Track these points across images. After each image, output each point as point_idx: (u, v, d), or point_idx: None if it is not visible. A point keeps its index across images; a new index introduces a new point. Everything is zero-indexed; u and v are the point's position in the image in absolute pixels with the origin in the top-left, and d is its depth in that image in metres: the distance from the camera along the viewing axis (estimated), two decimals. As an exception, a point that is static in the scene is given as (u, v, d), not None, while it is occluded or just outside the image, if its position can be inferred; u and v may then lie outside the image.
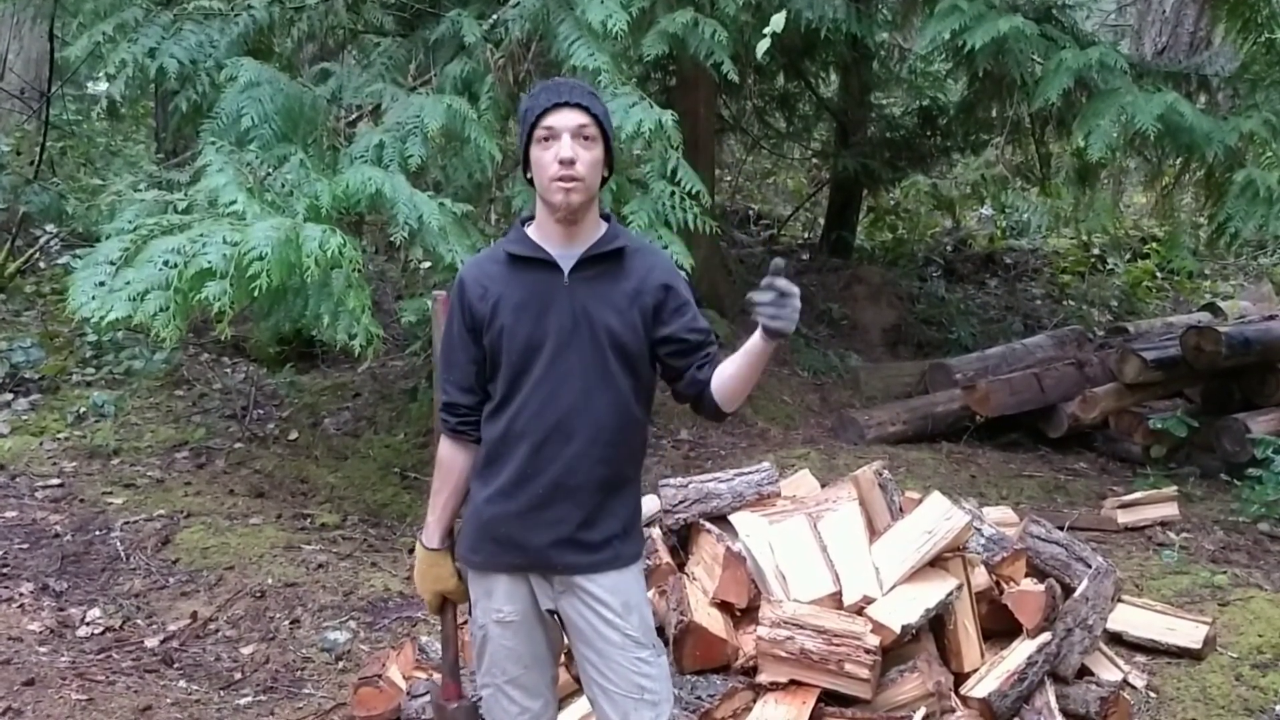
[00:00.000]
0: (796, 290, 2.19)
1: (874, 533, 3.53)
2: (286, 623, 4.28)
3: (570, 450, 2.35)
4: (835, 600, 3.29)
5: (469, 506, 2.48)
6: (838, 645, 3.14)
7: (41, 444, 5.78)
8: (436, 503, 2.52)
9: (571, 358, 2.34)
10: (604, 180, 2.41)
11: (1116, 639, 4.00)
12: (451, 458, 2.49)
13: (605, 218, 2.45)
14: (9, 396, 6.23)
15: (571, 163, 2.28)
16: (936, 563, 3.39)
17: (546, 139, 2.30)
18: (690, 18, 5.01)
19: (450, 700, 2.70)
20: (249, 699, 3.76)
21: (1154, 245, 12.00)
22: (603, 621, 2.39)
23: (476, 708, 2.63)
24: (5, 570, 4.48)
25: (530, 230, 2.42)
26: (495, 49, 5.08)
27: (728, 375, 2.38)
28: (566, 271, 2.36)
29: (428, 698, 3.29)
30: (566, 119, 2.30)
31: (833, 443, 6.83)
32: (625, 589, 2.41)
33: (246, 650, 4.09)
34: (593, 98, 2.36)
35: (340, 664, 4.02)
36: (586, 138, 2.30)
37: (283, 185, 4.54)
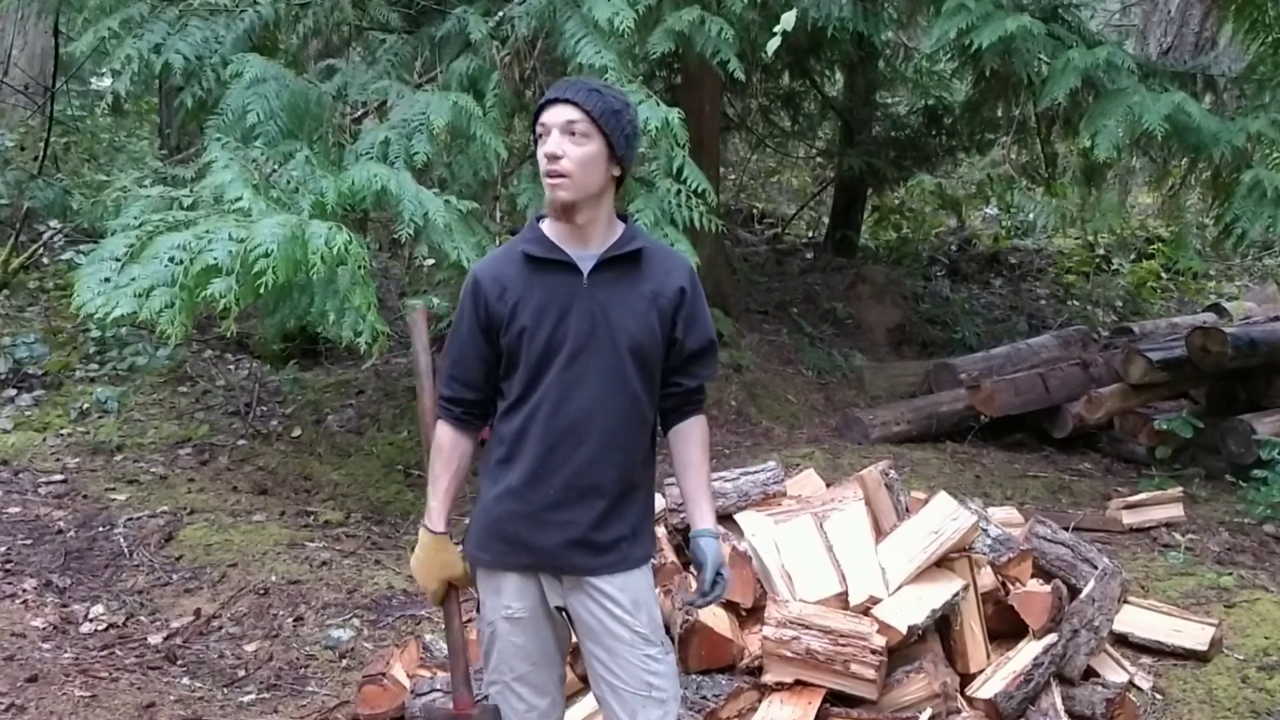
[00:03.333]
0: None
1: (880, 533, 3.52)
2: (290, 620, 4.27)
3: (583, 453, 2.34)
4: (841, 600, 3.28)
5: (478, 503, 2.47)
6: (844, 645, 3.13)
7: (45, 440, 5.78)
8: (438, 488, 2.48)
9: (589, 361, 2.33)
10: (618, 180, 2.38)
11: (1122, 640, 3.99)
12: (454, 444, 2.48)
13: (623, 219, 2.44)
14: (12, 392, 6.23)
15: (556, 158, 2.27)
16: (943, 563, 3.38)
17: (541, 135, 2.32)
18: (697, 15, 5.00)
19: (465, 711, 2.66)
20: (252, 696, 3.75)
21: (1159, 245, 11.98)
22: (612, 618, 2.39)
23: (497, 710, 2.58)
24: (9, 566, 4.48)
25: (546, 228, 2.41)
26: (501, 46, 5.06)
27: (677, 461, 2.53)
28: (586, 273, 2.35)
29: (431, 698, 3.28)
30: (556, 114, 2.29)
31: (837, 442, 6.82)
32: (634, 587, 2.41)
33: (250, 647, 4.08)
34: (592, 94, 2.31)
35: (344, 662, 4.02)
36: (575, 133, 2.28)
37: (288, 182, 4.54)
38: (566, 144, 2.27)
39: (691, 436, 2.50)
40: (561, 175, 2.28)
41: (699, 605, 2.54)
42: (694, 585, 2.48)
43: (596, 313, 2.33)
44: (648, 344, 2.36)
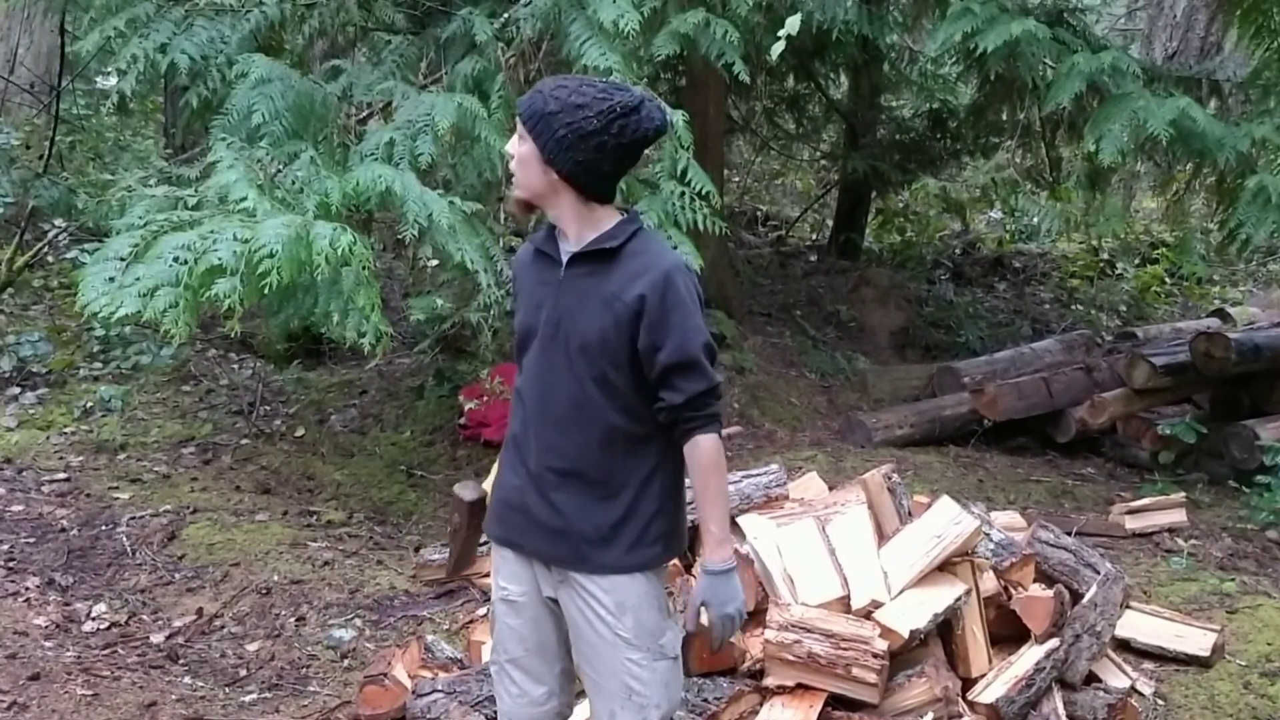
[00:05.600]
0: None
1: (882, 536, 3.52)
2: (292, 620, 4.27)
3: (540, 443, 2.40)
4: (843, 604, 3.28)
5: None
6: (845, 649, 3.13)
7: (48, 438, 5.79)
8: None
9: (553, 354, 2.38)
10: (572, 184, 2.34)
11: (1124, 646, 3.98)
12: None
13: (629, 215, 2.42)
14: (16, 390, 6.24)
15: (511, 158, 2.39)
16: (945, 567, 3.38)
17: None
18: (702, 18, 5.00)
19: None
20: (254, 696, 3.75)
21: (1164, 250, 11.97)
22: (596, 618, 2.40)
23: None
24: (12, 564, 4.48)
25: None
26: (506, 48, 5.06)
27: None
28: (562, 268, 2.39)
29: (433, 698, 3.29)
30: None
31: (840, 445, 6.81)
32: (622, 590, 2.39)
33: (252, 647, 4.08)
34: (534, 97, 2.32)
35: (345, 662, 4.02)
36: (521, 136, 2.36)
37: (293, 182, 4.53)
38: (515, 143, 2.37)
39: (691, 460, 2.38)
40: (512, 174, 2.40)
41: (713, 646, 2.59)
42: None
43: (562, 308, 2.37)
44: (598, 346, 2.32)
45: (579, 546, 2.38)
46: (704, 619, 2.42)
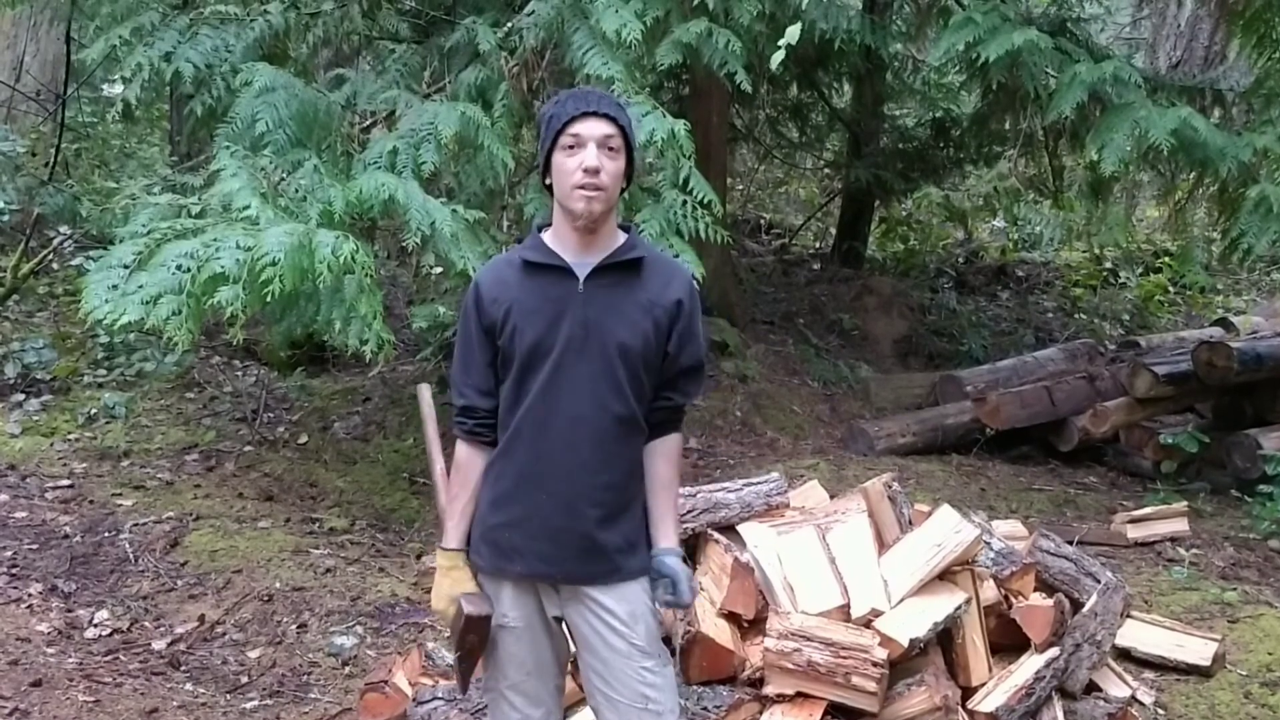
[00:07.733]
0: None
1: (883, 545, 3.51)
2: (294, 627, 4.28)
3: (571, 460, 2.35)
4: (843, 612, 3.28)
5: (477, 509, 2.48)
6: (845, 658, 3.12)
7: (52, 445, 5.80)
8: (454, 508, 2.48)
9: (579, 366, 2.34)
10: (621, 190, 2.41)
11: (1125, 655, 3.99)
12: (469, 461, 2.47)
13: (625, 229, 2.46)
14: (21, 397, 6.26)
15: (596, 171, 2.29)
16: (945, 576, 3.38)
17: (571, 146, 2.32)
18: (704, 27, 5.02)
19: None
20: (255, 703, 3.76)
21: (1166, 259, 11.97)
22: (609, 630, 2.39)
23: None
24: (14, 571, 4.49)
25: (547, 237, 2.43)
26: (510, 57, 5.08)
27: (647, 476, 2.47)
28: (582, 279, 2.36)
29: (433, 706, 3.29)
30: (593, 128, 2.31)
31: (842, 453, 6.82)
32: (632, 598, 2.41)
33: (253, 654, 4.09)
34: (620, 109, 2.37)
35: (347, 669, 4.03)
36: (611, 148, 2.32)
37: (296, 190, 4.56)
38: (603, 158, 2.31)
39: (668, 452, 2.48)
40: (600, 189, 2.31)
41: (672, 606, 2.47)
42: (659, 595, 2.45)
43: (590, 318, 2.34)
44: (640, 352, 2.36)
45: (613, 558, 2.38)
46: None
